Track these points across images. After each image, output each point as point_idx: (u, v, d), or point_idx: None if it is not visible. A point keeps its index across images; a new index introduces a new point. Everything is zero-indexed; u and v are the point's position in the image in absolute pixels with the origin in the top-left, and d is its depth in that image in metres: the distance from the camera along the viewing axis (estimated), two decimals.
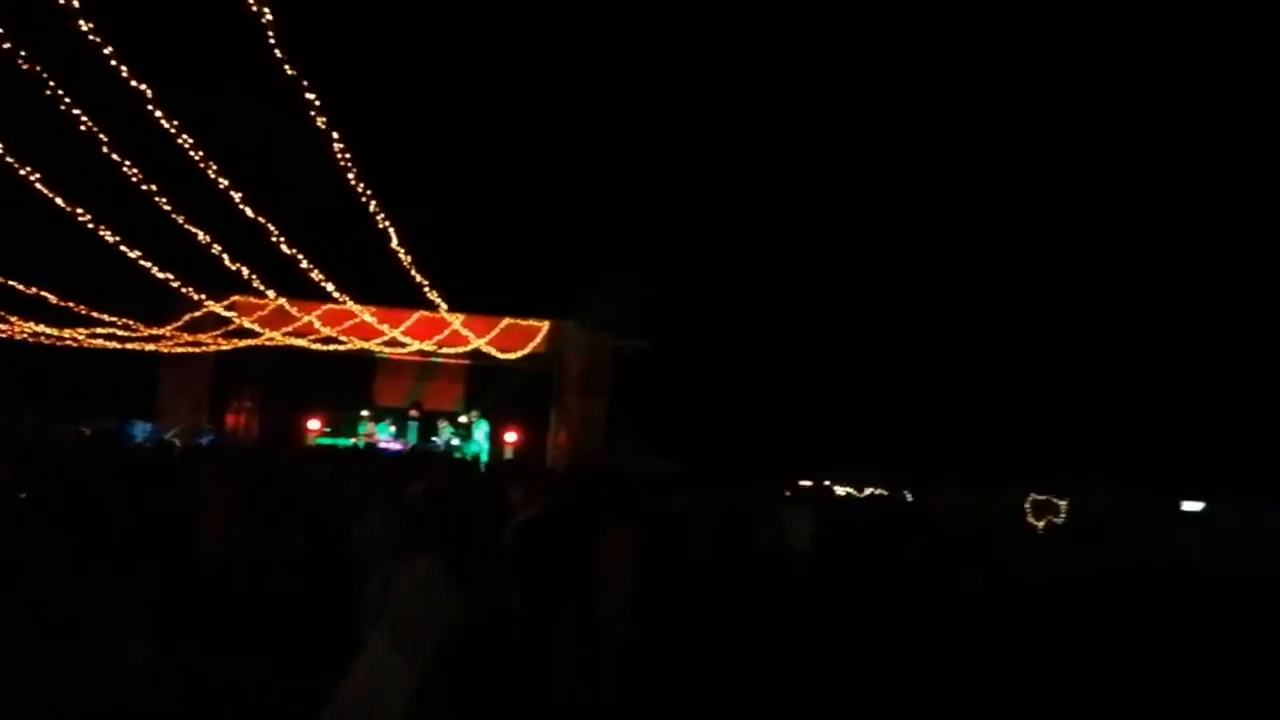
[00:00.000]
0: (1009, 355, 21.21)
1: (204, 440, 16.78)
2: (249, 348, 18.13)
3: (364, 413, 19.67)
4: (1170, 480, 18.09)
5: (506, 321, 19.15)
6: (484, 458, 18.50)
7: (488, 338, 18.66)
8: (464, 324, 18.39)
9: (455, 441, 19.35)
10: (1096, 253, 21.14)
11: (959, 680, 4.76)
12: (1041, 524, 17.24)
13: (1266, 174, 19.76)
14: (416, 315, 18.28)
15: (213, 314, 16.94)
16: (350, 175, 11.12)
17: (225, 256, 13.49)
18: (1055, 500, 17.76)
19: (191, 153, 10.42)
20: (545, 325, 19.34)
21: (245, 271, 14.29)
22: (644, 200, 18.82)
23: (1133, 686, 4.33)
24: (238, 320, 17.22)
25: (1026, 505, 17.69)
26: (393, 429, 19.47)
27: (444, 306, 17.14)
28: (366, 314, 17.50)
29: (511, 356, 18.81)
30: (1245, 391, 20.11)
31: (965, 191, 20.61)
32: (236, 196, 11.34)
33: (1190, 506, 18.12)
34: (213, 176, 10.84)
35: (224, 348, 18.00)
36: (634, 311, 18.22)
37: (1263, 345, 20.21)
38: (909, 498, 16.79)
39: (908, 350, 21.63)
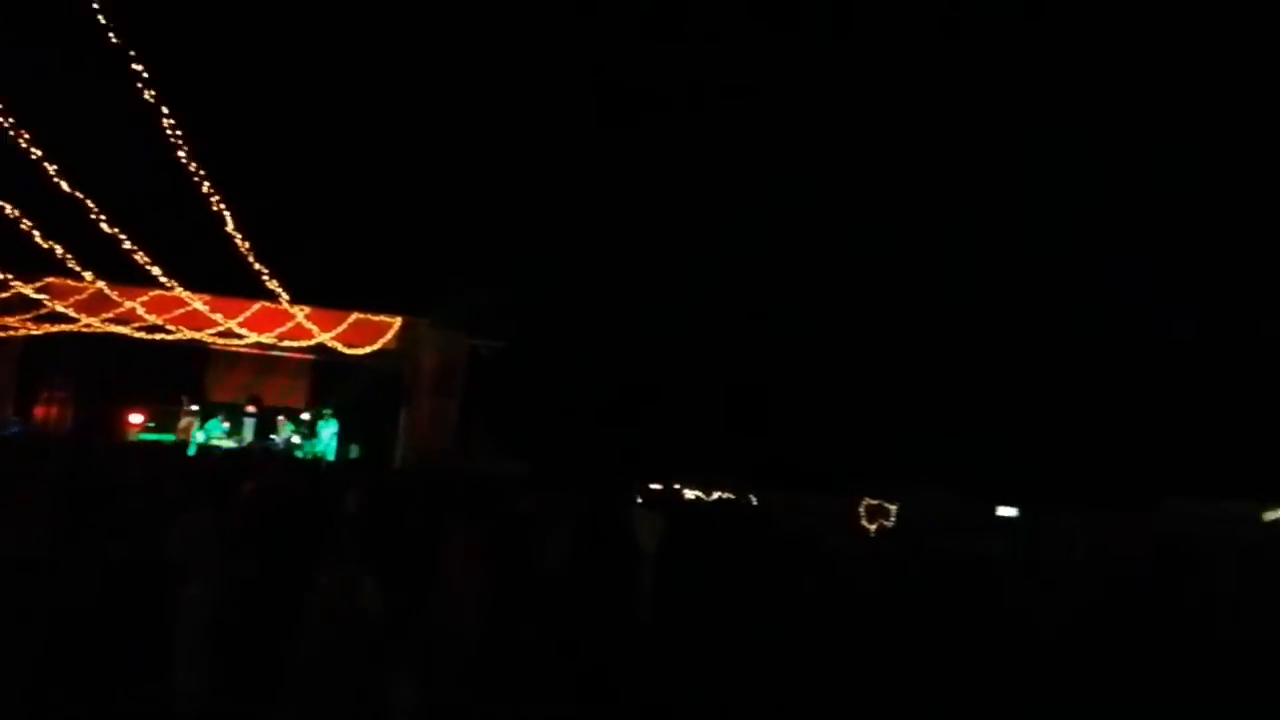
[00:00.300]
0: (851, 369, 22.26)
1: (9, 431, 15.51)
2: (63, 334, 16.72)
3: (192, 407, 18.43)
4: (987, 488, 19.49)
5: (355, 316, 18.40)
6: (330, 457, 17.72)
7: (334, 332, 17.89)
8: (309, 317, 17.56)
9: (296, 440, 18.44)
10: (933, 272, 22.49)
11: (802, 673, 4.94)
12: (874, 526, 18.18)
13: (1079, 191, 21.54)
14: (257, 306, 17.30)
15: (22, 296, 15.54)
16: (181, 153, 10.45)
17: (36, 234, 12.41)
18: (886, 505, 18.78)
19: (0, 119, 9.56)
20: (397, 321, 18.72)
21: (60, 251, 13.19)
22: (502, 199, 18.60)
23: (970, 676, 4.61)
24: (50, 304, 15.85)
25: (861, 509, 18.63)
26: (226, 425, 18.35)
27: (286, 298, 16.34)
28: (198, 302, 16.46)
29: (359, 352, 18.09)
30: (1059, 411, 21.88)
31: (801, 197, 21.41)
32: (51, 169, 10.47)
33: (1005, 512, 19.61)
34: (24, 146, 9.98)
35: (34, 333, 16.55)
36: (489, 310, 17.92)
37: (1077, 370, 22.09)
38: (754, 501, 17.34)
39: (755, 359, 22.33)
